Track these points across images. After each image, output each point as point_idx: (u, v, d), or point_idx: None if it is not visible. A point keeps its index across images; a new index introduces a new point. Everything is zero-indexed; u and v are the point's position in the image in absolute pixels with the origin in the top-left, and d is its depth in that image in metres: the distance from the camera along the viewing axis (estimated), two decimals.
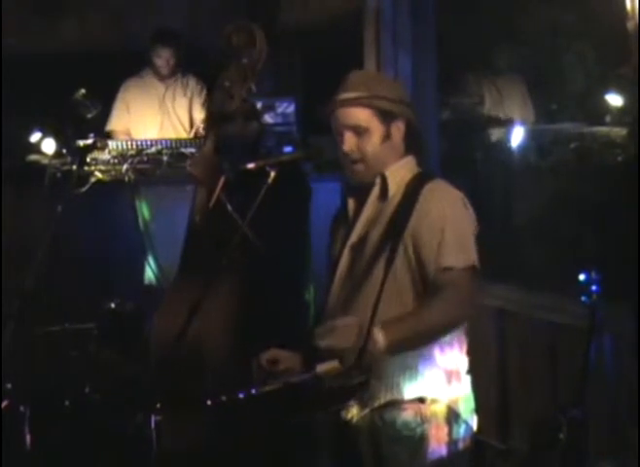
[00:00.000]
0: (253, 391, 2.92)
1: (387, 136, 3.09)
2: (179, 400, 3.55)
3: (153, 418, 3.53)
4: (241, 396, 2.90)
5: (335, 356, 2.86)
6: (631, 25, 3.78)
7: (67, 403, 4.35)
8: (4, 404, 3.87)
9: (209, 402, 2.96)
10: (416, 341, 2.95)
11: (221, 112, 3.80)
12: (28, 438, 4.03)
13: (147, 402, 3.52)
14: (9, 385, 3.96)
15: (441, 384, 3.03)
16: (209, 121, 3.93)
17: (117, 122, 6.72)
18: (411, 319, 2.94)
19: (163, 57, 6.69)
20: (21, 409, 4.03)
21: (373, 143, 3.08)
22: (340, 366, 2.86)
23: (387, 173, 3.09)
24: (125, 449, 4.05)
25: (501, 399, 4.78)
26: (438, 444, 3.00)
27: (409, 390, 3.01)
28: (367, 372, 2.85)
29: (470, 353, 3.14)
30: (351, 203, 3.20)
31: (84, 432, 4.31)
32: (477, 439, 3.17)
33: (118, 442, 4.13)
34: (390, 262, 2.98)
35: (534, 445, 3.97)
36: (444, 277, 2.96)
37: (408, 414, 3.00)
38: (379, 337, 2.85)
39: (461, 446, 3.04)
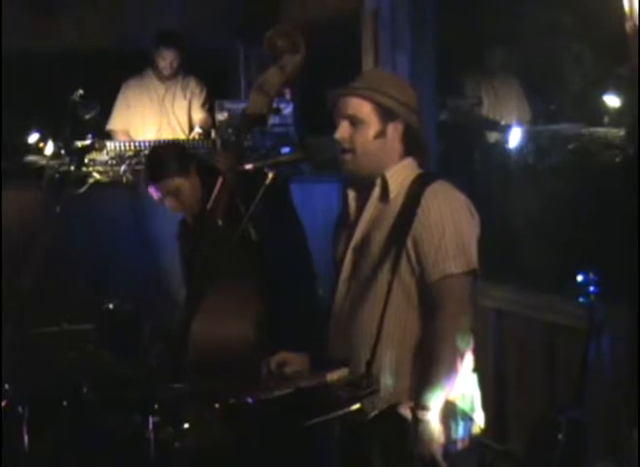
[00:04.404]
0: (262, 396, 2.91)
1: (382, 134, 3.09)
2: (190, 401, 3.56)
3: (151, 419, 3.53)
4: (250, 400, 2.89)
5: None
6: (629, 26, 3.78)
7: (65, 403, 4.34)
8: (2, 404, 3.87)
9: (217, 405, 2.96)
10: (449, 376, 2.96)
11: (261, 114, 3.82)
12: (26, 438, 4.03)
13: (145, 402, 3.52)
14: (7, 386, 3.96)
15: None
16: (243, 122, 3.92)
17: (118, 121, 6.72)
18: (432, 370, 2.95)
19: (167, 59, 6.68)
20: (19, 409, 4.03)
21: (366, 136, 3.08)
22: (351, 373, 2.86)
23: (388, 175, 3.09)
24: (123, 450, 4.04)
25: (499, 400, 4.78)
26: (444, 442, 2.98)
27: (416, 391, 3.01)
28: (376, 381, 2.85)
29: (475, 351, 3.13)
30: (352, 204, 3.19)
31: (82, 432, 4.31)
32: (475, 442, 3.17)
33: (116, 442, 4.13)
34: (395, 266, 2.98)
35: (532, 446, 3.97)
36: (444, 286, 2.97)
37: (410, 414, 3.00)
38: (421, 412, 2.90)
39: (467, 444, 3.04)
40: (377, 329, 2.91)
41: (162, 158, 4.35)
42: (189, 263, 4.29)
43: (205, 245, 3.74)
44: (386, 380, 2.96)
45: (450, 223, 2.99)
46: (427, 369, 2.96)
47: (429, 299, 3.00)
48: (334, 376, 2.86)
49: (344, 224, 3.23)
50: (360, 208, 3.16)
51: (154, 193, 4.30)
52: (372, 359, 2.87)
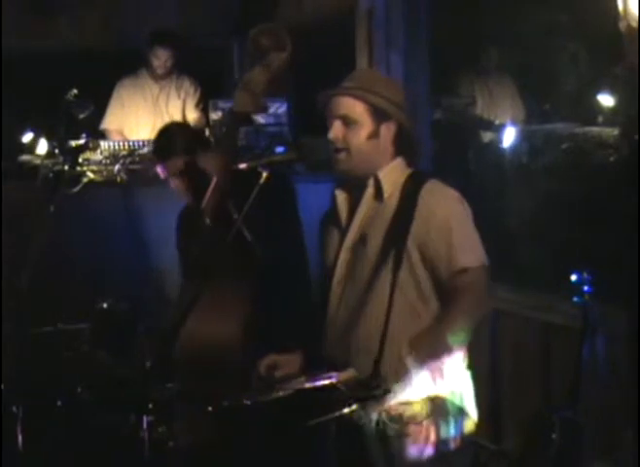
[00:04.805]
0: (261, 398, 2.91)
1: (375, 134, 3.09)
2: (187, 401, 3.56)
3: (145, 419, 3.52)
4: (249, 403, 2.89)
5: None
6: (623, 26, 3.79)
7: (60, 403, 4.34)
8: None
9: (210, 408, 2.96)
10: (443, 354, 2.98)
11: (248, 113, 3.82)
12: (20, 438, 4.03)
13: (140, 402, 3.52)
14: (1, 386, 3.96)
15: (439, 380, 3.03)
16: (230, 120, 3.92)
17: (111, 120, 6.72)
18: (437, 335, 2.98)
19: (161, 58, 6.68)
20: (14, 409, 4.02)
21: (360, 136, 3.08)
22: (358, 374, 2.86)
23: (381, 175, 3.09)
24: (118, 449, 4.04)
25: (494, 399, 4.78)
26: (437, 438, 2.98)
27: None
28: (385, 381, 2.84)
29: (468, 349, 3.13)
30: (343, 205, 3.19)
31: (76, 432, 4.31)
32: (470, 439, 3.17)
33: (110, 442, 4.12)
34: (396, 267, 2.97)
35: (527, 445, 3.97)
36: (461, 280, 2.99)
37: (401, 412, 2.99)
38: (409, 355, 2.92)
39: (460, 439, 3.04)
40: (383, 329, 2.90)
41: (171, 137, 4.30)
42: (185, 258, 4.28)
43: (198, 245, 3.74)
44: (393, 380, 2.95)
45: (456, 220, 3.03)
46: (435, 332, 2.99)
47: (446, 294, 3.02)
48: (342, 376, 2.85)
49: (334, 225, 3.22)
50: (352, 209, 3.15)
51: (160, 171, 4.25)
52: (379, 358, 2.87)
